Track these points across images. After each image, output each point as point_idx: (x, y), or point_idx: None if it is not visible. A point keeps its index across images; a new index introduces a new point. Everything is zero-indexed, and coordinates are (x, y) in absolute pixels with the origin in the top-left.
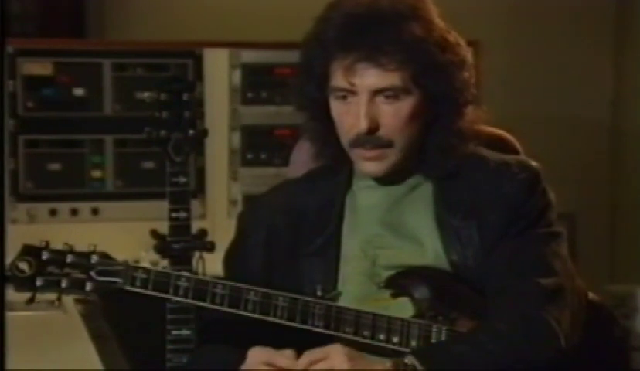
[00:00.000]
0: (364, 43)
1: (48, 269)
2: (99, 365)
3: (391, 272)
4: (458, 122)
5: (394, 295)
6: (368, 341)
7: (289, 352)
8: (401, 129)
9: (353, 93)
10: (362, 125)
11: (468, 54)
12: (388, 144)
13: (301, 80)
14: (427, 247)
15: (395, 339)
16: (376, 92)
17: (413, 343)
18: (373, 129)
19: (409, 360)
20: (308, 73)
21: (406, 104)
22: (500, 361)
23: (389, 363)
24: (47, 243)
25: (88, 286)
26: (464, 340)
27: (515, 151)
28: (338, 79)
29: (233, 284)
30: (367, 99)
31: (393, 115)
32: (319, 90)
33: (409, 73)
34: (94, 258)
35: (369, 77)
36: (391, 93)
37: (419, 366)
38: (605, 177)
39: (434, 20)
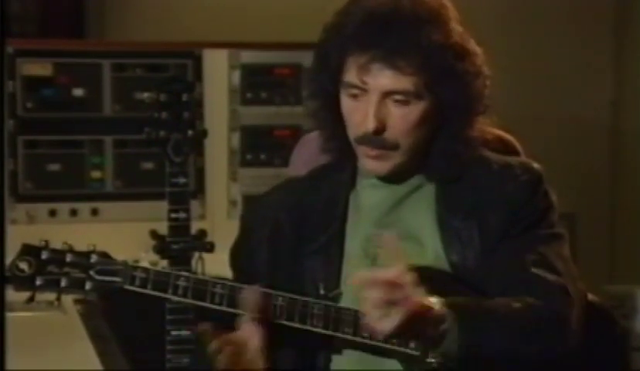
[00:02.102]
0: (382, 44)
1: (47, 268)
2: (98, 366)
3: None
4: (467, 131)
5: None
6: (367, 341)
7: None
8: (408, 133)
9: (364, 91)
10: (370, 125)
11: (484, 64)
12: (393, 146)
13: (315, 69)
14: (427, 248)
15: (393, 340)
16: (388, 93)
17: (412, 344)
18: (380, 130)
19: (448, 315)
20: (323, 62)
21: (416, 109)
22: (522, 337)
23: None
24: (47, 242)
25: (87, 285)
26: (497, 306)
27: (516, 152)
28: (351, 76)
29: (232, 283)
30: (377, 99)
31: (402, 118)
32: (332, 81)
33: (423, 78)
34: (94, 257)
35: (383, 78)
36: (402, 97)
37: (451, 321)
38: (605, 177)
39: (454, 27)
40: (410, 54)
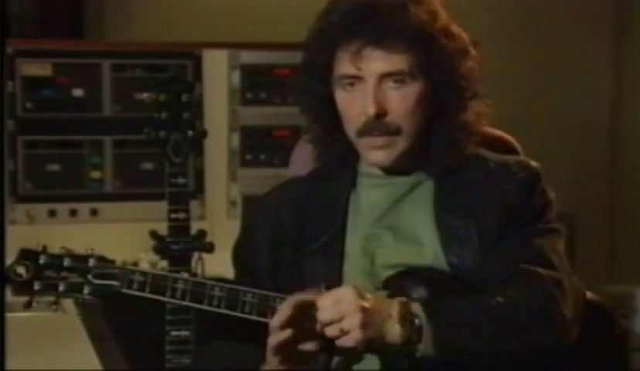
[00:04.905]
0: (370, 28)
1: (45, 273)
2: (98, 366)
3: (390, 271)
4: (463, 115)
5: (391, 296)
6: None
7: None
8: (408, 115)
9: (360, 79)
10: (370, 110)
11: (470, 46)
12: (396, 131)
13: (303, 78)
14: (426, 247)
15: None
16: (383, 76)
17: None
18: (381, 114)
19: (415, 309)
20: (311, 67)
21: (412, 89)
22: (503, 333)
23: (397, 305)
24: (44, 247)
25: (86, 289)
26: (474, 304)
27: (515, 152)
28: (344, 66)
29: (230, 286)
30: (374, 84)
31: (401, 100)
32: (323, 84)
33: (415, 57)
34: (91, 261)
35: (376, 61)
36: (398, 78)
37: (423, 318)
38: (605, 177)
39: (438, 10)
40: (400, 35)
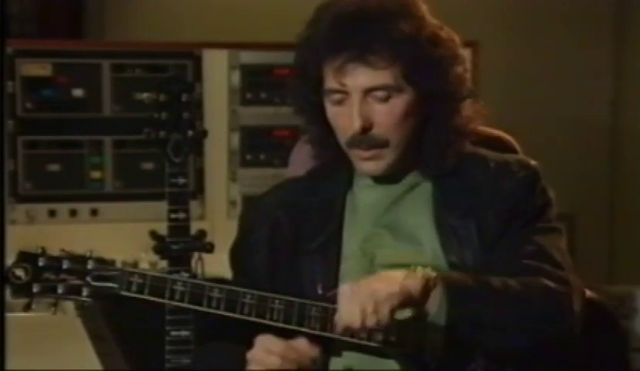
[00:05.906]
0: (353, 43)
1: (44, 275)
2: (98, 366)
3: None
4: (455, 118)
5: None
6: (365, 342)
7: (302, 343)
8: (395, 127)
9: (346, 93)
10: (356, 125)
11: (460, 49)
12: (383, 144)
13: (296, 83)
14: (425, 247)
15: (392, 339)
16: (368, 91)
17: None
18: (367, 128)
19: (436, 282)
20: (302, 75)
21: (399, 102)
22: (516, 312)
23: (421, 275)
24: (43, 249)
25: (84, 291)
26: (491, 279)
27: (514, 151)
28: (330, 81)
29: (228, 287)
30: (359, 99)
31: (387, 114)
32: (314, 92)
33: (400, 70)
34: (90, 263)
35: (360, 77)
36: (383, 93)
37: (443, 294)
38: (605, 177)
39: (424, 17)
40: (382, 48)
